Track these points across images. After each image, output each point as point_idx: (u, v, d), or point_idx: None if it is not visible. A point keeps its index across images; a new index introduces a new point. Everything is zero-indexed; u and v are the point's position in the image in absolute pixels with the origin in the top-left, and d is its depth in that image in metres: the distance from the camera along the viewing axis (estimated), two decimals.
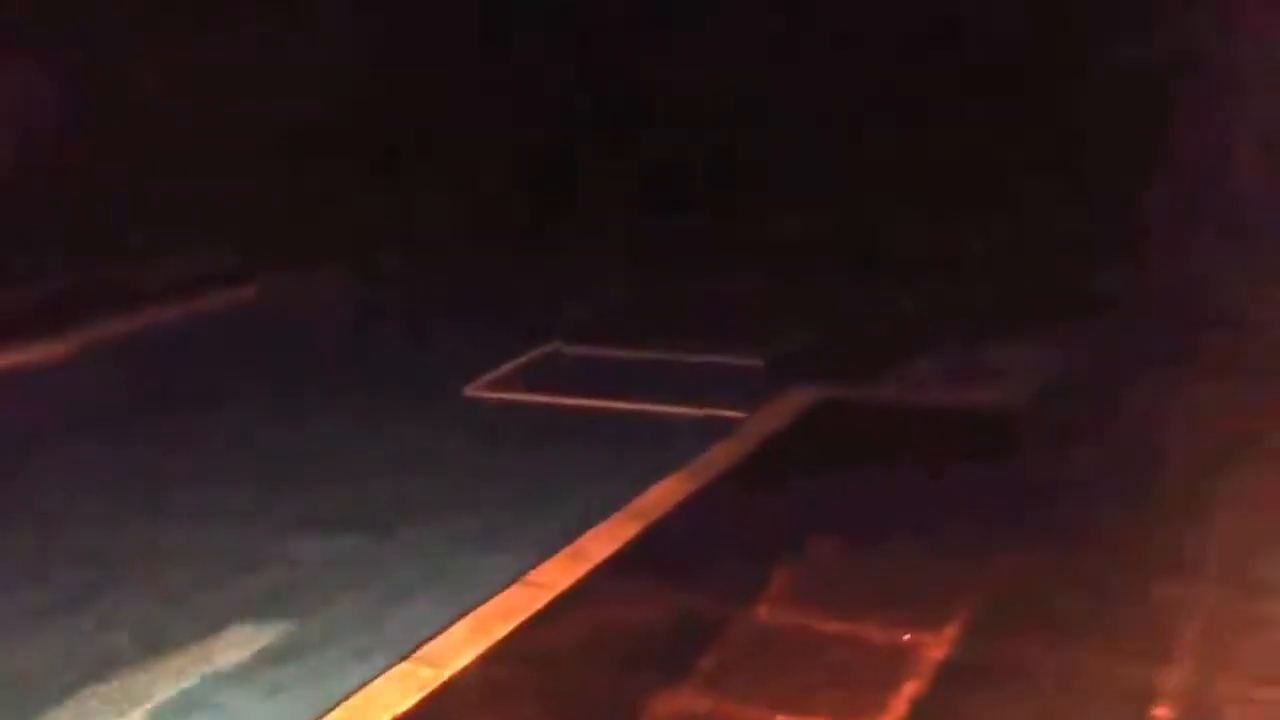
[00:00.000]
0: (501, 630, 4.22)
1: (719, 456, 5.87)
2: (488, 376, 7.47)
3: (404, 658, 4.08)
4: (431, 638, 4.20)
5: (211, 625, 4.52)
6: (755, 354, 7.56)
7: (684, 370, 7.54)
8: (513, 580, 4.58)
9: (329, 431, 6.64)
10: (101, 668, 4.24)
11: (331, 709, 3.78)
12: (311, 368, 7.79)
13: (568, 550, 4.82)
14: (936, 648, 4.00)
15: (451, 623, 4.30)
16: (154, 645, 4.39)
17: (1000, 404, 6.47)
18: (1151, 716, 3.59)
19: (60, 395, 7.49)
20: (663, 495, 5.37)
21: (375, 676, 3.97)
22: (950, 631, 4.09)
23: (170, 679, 4.17)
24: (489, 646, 4.12)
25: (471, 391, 7.30)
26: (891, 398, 6.70)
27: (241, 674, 4.22)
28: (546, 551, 4.82)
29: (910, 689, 3.77)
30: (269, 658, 4.31)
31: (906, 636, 4.07)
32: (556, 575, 4.61)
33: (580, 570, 4.65)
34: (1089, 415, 6.27)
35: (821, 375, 6.95)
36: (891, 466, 5.65)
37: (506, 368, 7.64)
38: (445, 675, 3.95)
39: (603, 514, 5.15)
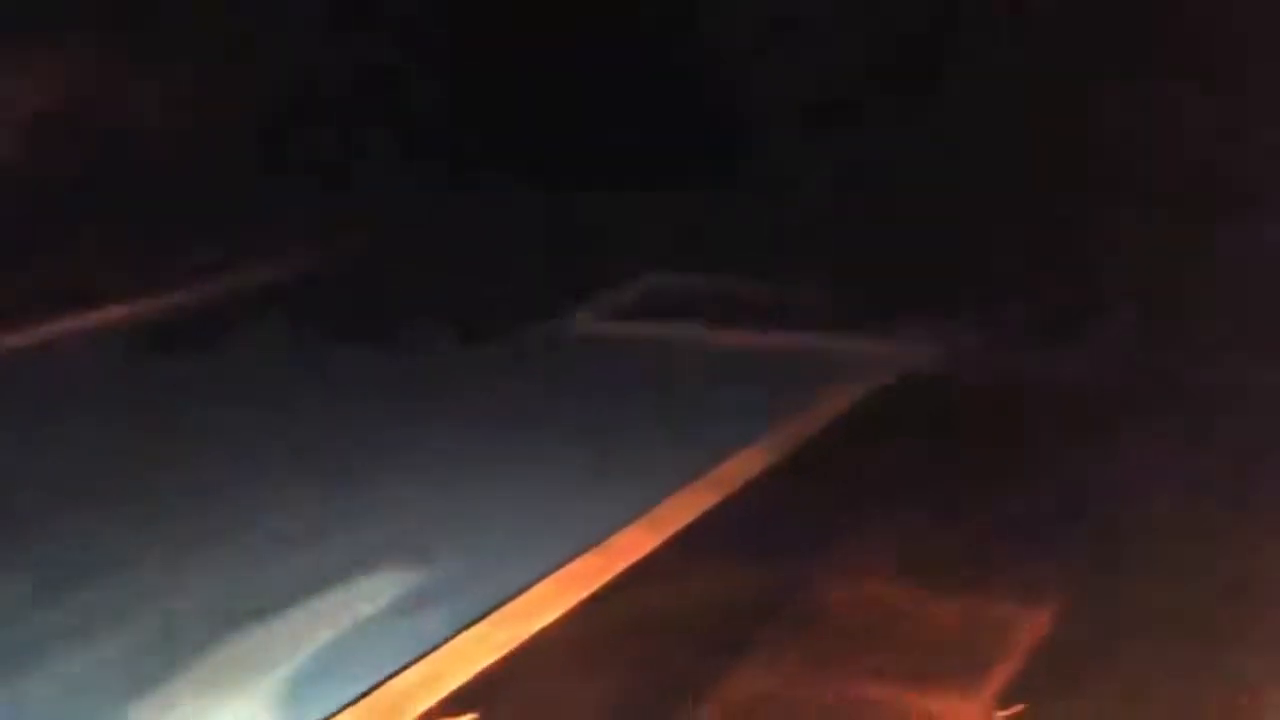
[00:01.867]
0: (590, 590, 4.19)
1: (837, 401, 5.77)
2: (596, 308, 7.43)
3: (492, 613, 4.06)
4: (521, 593, 4.19)
5: (340, 572, 4.53)
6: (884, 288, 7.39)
7: (810, 307, 7.40)
8: (606, 536, 4.55)
9: (435, 374, 6.68)
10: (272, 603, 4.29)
11: (415, 662, 3.78)
12: (410, 310, 7.85)
13: (655, 512, 4.77)
14: (1035, 624, 3.86)
15: (543, 577, 4.28)
16: (304, 586, 4.41)
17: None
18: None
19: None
20: (777, 442, 5.33)
21: (461, 631, 3.96)
22: (1052, 608, 3.95)
23: (312, 629, 4.16)
24: (576, 606, 4.10)
25: (583, 326, 7.28)
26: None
27: (375, 619, 4.22)
28: (643, 507, 4.78)
29: (1007, 666, 3.64)
30: (393, 604, 4.30)
31: (1006, 612, 3.94)
32: (641, 538, 4.56)
33: (669, 532, 4.61)
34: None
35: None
36: (1020, 436, 5.47)
37: (614, 299, 7.60)
38: (534, 630, 3.94)
39: (702, 467, 5.10)
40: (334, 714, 3.55)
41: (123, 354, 7.34)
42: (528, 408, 6.22)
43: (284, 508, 5.11)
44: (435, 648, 3.86)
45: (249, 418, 6.16)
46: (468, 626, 3.98)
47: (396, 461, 5.55)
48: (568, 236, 8.94)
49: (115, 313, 7.90)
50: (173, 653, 4.04)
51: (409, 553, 4.65)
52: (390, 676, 3.71)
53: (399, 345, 7.19)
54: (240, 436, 5.93)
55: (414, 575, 4.49)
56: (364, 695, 3.63)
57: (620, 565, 4.35)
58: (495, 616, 4.03)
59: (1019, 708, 3.41)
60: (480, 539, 4.75)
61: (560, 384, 6.59)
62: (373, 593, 4.39)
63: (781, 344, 6.84)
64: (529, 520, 4.89)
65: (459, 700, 3.57)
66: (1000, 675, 3.59)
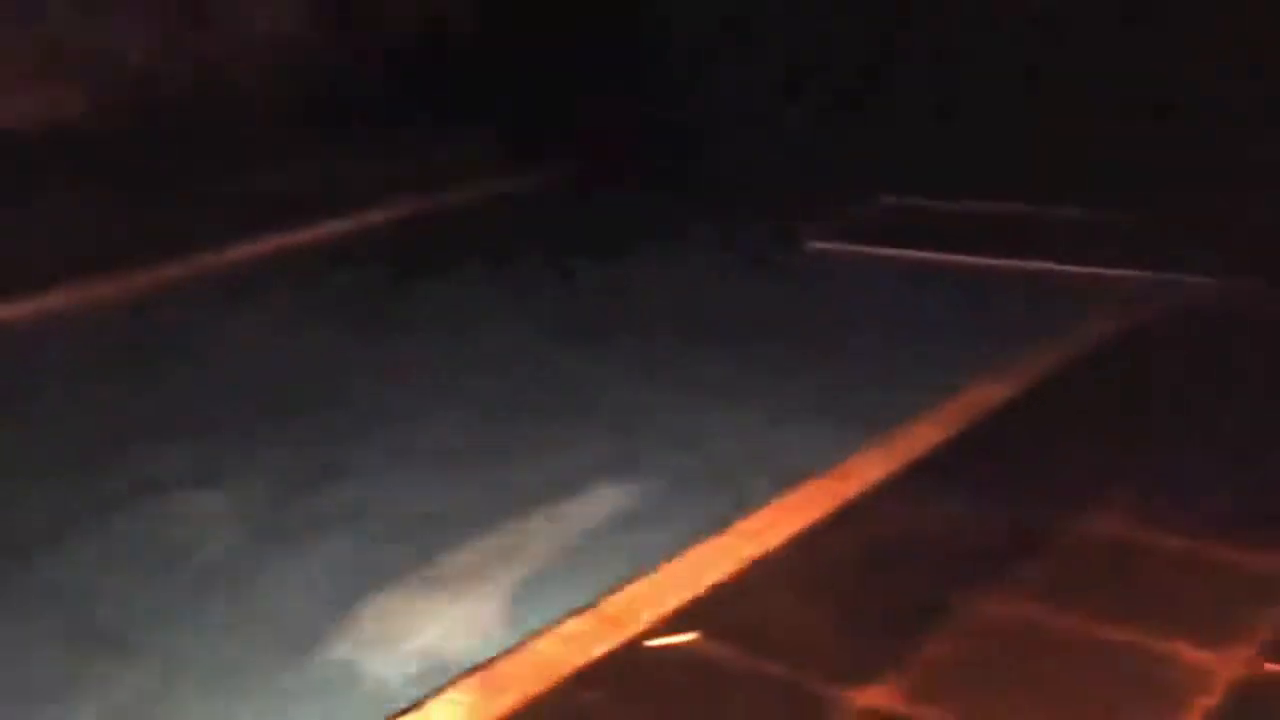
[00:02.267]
0: (824, 511, 4.09)
1: (1089, 332, 5.48)
2: (827, 229, 7.27)
3: (724, 530, 4.02)
4: (755, 511, 4.13)
5: (568, 483, 4.57)
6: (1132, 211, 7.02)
7: (1047, 229, 7.09)
8: (841, 461, 4.43)
9: (671, 290, 6.64)
10: (482, 519, 4.36)
11: (640, 577, 3.76)
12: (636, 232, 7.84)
13: (892, 437, 4.63)
14: None
15: (778, 495, 4.21)
16: (533, 496, 4.47)
17: None
18: None
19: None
20: (1022, 370, 5.12)
21: (695, 545, 3.93)
22: None
23: (538, 537, 4.23)
24: (805, 528, 4.00)
25: (814, 244, 7.13)
26: None
27: (601, 533, 4.24)
28: (877, 429, 4.65)
29: (1274, 622, 3.37)
30: (622, 519, 4.31)
31: (1275, 564, 3.66)
32: (876, 463, 4.43)
33: (906, 458, 4.46)
34: None
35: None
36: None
37: (846, 220, 7.43)
38: (762, 551, 3.87)
39: (942, 393, 4.93)
40: (559, 621, 3.56)
41: (348, 268, 7.58)
42: (764, 325, 6.14)
43: (511, 422, 5.19)
44: (662, 564, 3.84)
45: (475, 333, 6.27)
46: (695, 544, 3.94)
47: (629, 375, 5.56)
48: (812, 154, 8.77)
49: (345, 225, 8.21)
50: (402, 555, 4.15)
51: (638, 468, 4.64)
52: (615, 590, 3.71)
53: (631, 260, 7.23)
54: (466, 351, 6.04)
55: (641, 491, 4.47)
56: (589, 606, 3.63)
57: (853, 490, 4.22)
58: (724, 536, 3.98)
59: None
60: (710, 457, 4.71)
61: (798, 302, 6.49)
62: (599, 506, 4.41)
63: (1032, 270, 6.53)
64: (762, 440, 4.81)
65: (683, 617, 3.54)
66: (1266, 630, 3.33)
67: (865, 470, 4.37)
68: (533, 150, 9.63)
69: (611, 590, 3.72)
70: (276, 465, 4.87)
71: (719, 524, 4.05)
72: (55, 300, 6.92)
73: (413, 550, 4.18)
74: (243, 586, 4.04)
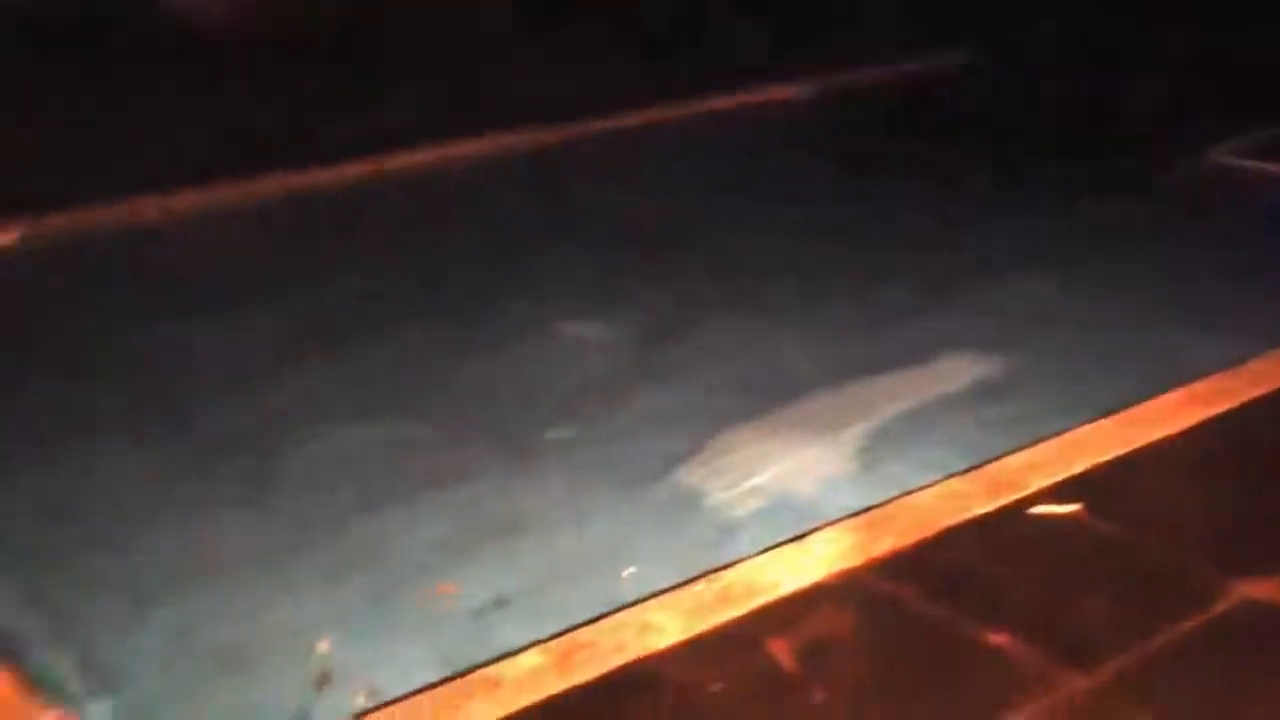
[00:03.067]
0: (1218, 410, 4.00)
1: None
2: (1235, 146, 6.91)
3: (1104, 416, 3.99)
4: (1137, 404, 4.07)
5: (923, 353, 4.64)
6: None
7: None
8: (1239, 365, 4.30)
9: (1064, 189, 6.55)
10: (833, 376, 4.52)
11: (1027, 446, 3.80)
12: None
13: None
14: None
15: (1160, 393, 4.12)
16: (882, 362, 4.59)
17: None
18: None
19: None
20: None
21: (1076, 427, 3.93)
22: None
23: (890, 399, 4.34)
24: (1199, 421, 3.93)
25: (1218, 157, 6.81)
26: None
27: (956, 403, 4.31)
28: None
29: None
30: (983, 391, 4.37)
31: None
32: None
33: None
34: None
35: None
36: None
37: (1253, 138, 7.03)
38: (1153, 438, 3.84)
39: None
40: (942, 479, 3.65)
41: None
42: (1165, 233, 5.96)
43: (895, 291, 5.29)
44: (1046, 438, 3.85)
45: (872, 210, 6.35)
46: (1086, 423, 3.94)
47: (1028, 261, 5.54)
48: (1218, 73, 8.32)
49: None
50: (757, 401, 4.35)
51: (999, 348, 4.66)
52: (1001, 456, 3.76)
53: (1020, 163, 7.08)
54: (871, 224, 6.15)
55: (1000, 369, 4.50)
56: (972, 468, 3.70)
57: (1254, 391, 4.09)
58: (1116, 418, 3.96)
59: None
60: (1103, 347, 4.67)
61: (1202, 214, 6.23)
62: (951, 377, 4.47)
63: None
64: (1160, 337, 4.72)
65: (1068, 488, 3.57)
66: None
67: (1269, 373, 4.23)
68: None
69: (980, 459, 3.78)
70: (649, 308, 5.17)
71: (1105, 409, 4.03)
72: (478, 146, 7.40)
73: (767, 398, 4.37)
74: (607, 410, 4.35)
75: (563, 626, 3.06)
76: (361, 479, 3.96)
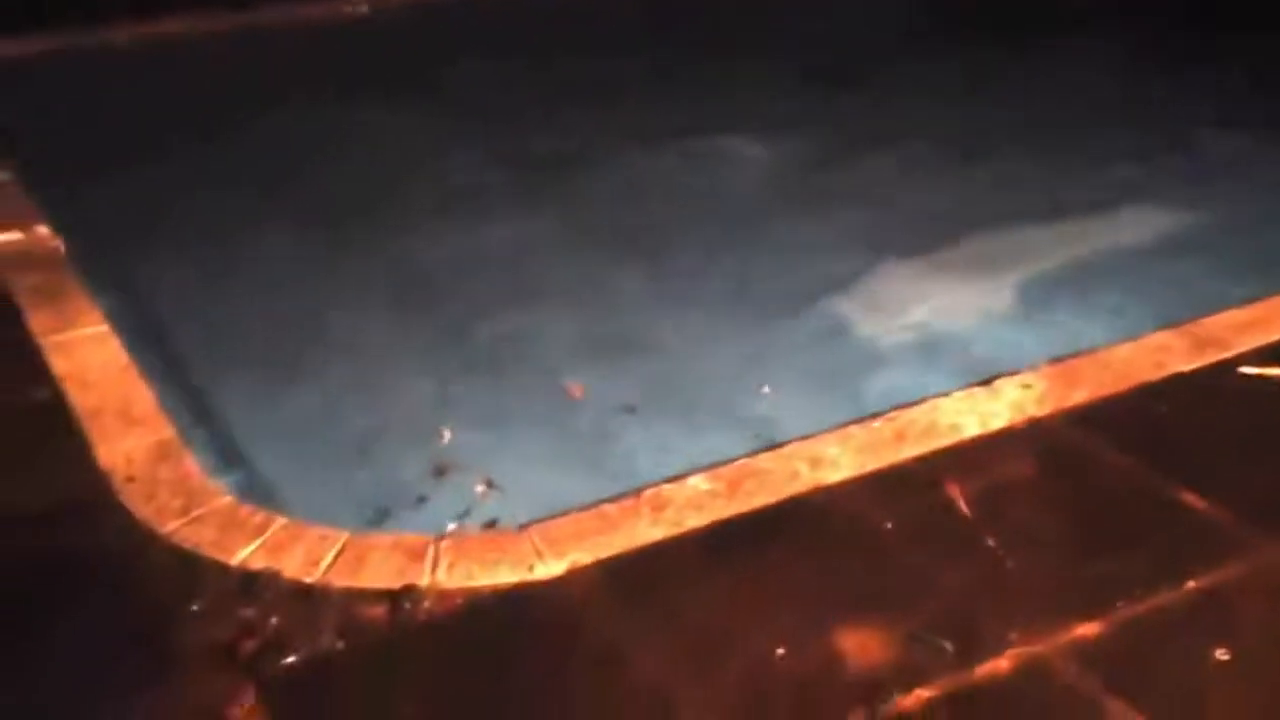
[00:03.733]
0: None
1: None
2: None
3: None
4: None
5: (1106, 202, 4.40)
6: None
7: None
8: None
9: None
10: (1004, 219, 4.31)
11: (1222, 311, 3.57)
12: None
13: None
14: None
15: None
16: (1056, 209, 4.38)
17: None
18: None
19: None
20: None
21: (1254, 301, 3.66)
22: None
23: (1063, 239, 4.17)
24: None
25: None
26: None
27: (1137, 254, 4.10)
28: None
29: None
30: (1168, 244, 4.15)
31: None
32: None
33: None
34: None
35: None
36: None
37: None
38: None
39: None
40: (1142, 333, 3.47)
41: None
42: None
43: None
44: (1247, 302, 3.60)
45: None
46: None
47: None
48: None
49: None
50: (914, 239, 4.19)
51: (1189, 203, 4.41)
52: (1202, 315, 3.54)
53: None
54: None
55: (1183, 224, 4.23)
56: (1173, 324, 3.50)
57: None
58: None
59: None
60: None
61: None
62: (1133, 228, 4.22)
63: None
64: None
65: (1276, 352, 3.35)
66: None
67: None
68: None
69: (1159, 314, 3.58)
70: (812, 131, 4.99)
71: None
72: None
73: (925, 237, 4.22)
74: (760, 232, 4.25)
75: (686, 436, 3.02)
76: (500, 280, 3.96)
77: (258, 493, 2.94)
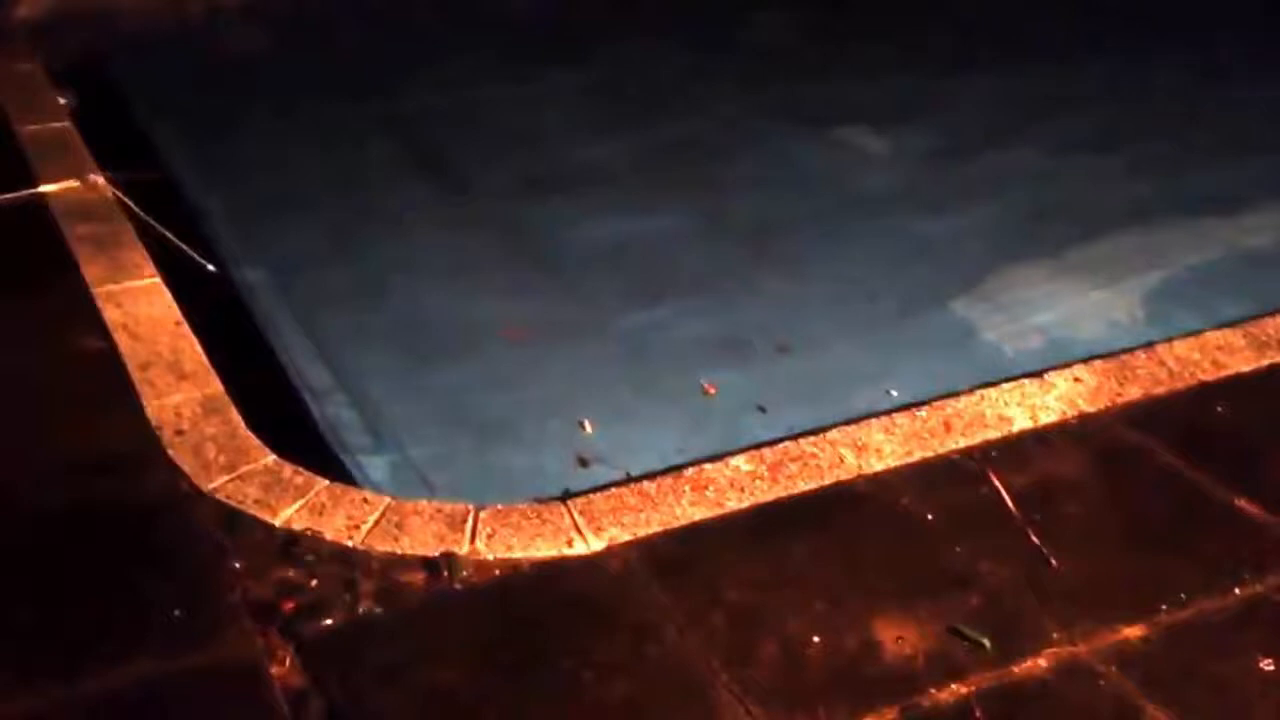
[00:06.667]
0: None
1: None
2: None
3: None
4: None
5: (1240, 197, 4.32)
6: None
7: None
8: None
9: None
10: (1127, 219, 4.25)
11: None
12: None
13: None
14: None
15: None
16: (1186, 208, 4.30)
17: None
18: None
19: None
20: None
21: None
22: None
23: (1195, 241, 4.09)
24: None
25: None
26: None
27: (1266, 258, 4.02)
28: None
29: None
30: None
31: None
32: None
33: None
34: None
35: None
36: None
37: None
38: None
39: None
40: (1200, 330, 3.40)
41: None
42: None
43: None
44: None
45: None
46: None
47: None
48: None
49: None
50: (1042, 238, 4.11)
51: None
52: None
53: None
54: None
55: None
56: (1235, 321, 3.44)
57: None
58: None
59: None
60: None
61: None
62: (1256, 230, 4.13)
63: None
64: None
65: None
66: None
67: None
68: None
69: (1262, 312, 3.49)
70: (939, 128, 4.91)
71: None
72: None
73: (1054, 236, 4.12)
74: (886, 222, 4.17)
75: None
76: (636, 270, 3.92)
77: (404, 477, 2.98)
